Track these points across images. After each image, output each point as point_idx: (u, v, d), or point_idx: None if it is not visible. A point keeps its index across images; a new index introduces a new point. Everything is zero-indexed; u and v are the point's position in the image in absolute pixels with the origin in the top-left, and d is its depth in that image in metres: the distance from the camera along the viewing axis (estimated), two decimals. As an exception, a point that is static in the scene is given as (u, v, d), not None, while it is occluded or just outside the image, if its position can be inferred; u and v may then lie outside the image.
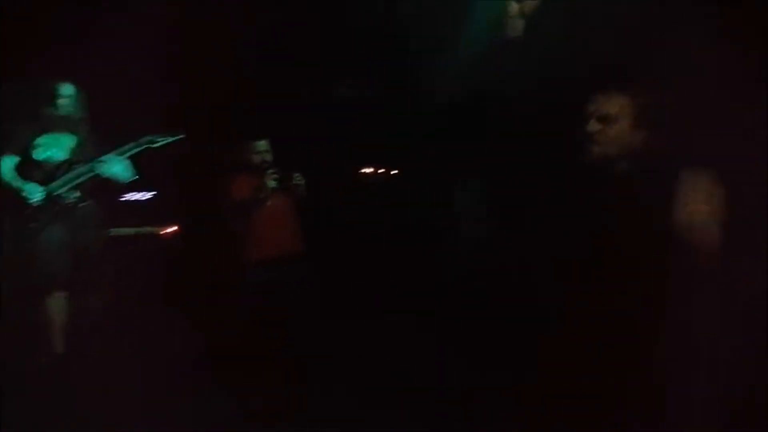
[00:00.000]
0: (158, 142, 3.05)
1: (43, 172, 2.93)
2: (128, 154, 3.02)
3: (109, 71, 3.33)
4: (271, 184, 3.48)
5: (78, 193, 2.99)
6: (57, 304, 2.88)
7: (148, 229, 4.28)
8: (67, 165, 2.98)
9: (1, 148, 2.97)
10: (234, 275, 3.68)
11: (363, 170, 4.73)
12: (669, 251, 1.65)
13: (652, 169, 1.75)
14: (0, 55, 3.36)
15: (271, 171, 3.49)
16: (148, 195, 4.30)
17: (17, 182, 2.91)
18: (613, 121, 1.79)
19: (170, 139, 3.07)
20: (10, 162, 2.95)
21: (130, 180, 3.07)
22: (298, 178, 3.57)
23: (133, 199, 4.03)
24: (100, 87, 3.14)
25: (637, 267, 1.70)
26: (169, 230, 4.36)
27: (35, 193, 2.86)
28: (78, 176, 2.96)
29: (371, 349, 3.15)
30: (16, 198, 2.89)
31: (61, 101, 2.97)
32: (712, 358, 1.59)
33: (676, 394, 1.61)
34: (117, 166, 2.97)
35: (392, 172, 4.03)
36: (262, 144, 3.60)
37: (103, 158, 2.95)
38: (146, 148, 3.04)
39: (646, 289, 1.67)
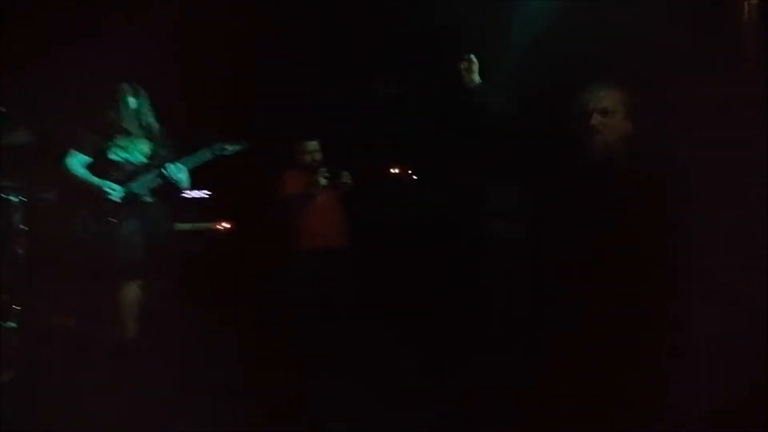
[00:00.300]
0: (227, 150, 3.25)
1: (120, 173, 3.12)
2: (201, 160, 3.23)
3: (176, 77, 3.58)
4: (322, 181, 3.71)
5: (152, 192, 3.19)
6: (133, 291, 3.10)
7: (206, 224, 4.59)
8: (145, 167, 3.17)
9: (69, 146, 3.13)
10: (285, 266, 3.91)
11: (405, 169, 4.92)
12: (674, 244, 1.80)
13: (649, 157, 1.94)
14: (73, 59, 3.64)
15: (321, 169, 3.73)
16: (206, 193, 4.59)
17: (93, 179, 3.08)
18: (611, 113, 2.07)
19: (238, 148, 3.26)
20: (79, 159, 3.10)
21: (187, 186, 3.27)
22: (346, 176, 3.81)
23: (194, 196, 4.31)
24: (169, 92, 3.34)
25: (650, 262, 1.85)
26: (225, 225, 4.66)
27: (115, 192, 3.07)
28: (155, 178, 3.16)
29: (406, 343, 3.28)
30: (93, 194, 3.08)
31: (135, 106, 3.13)
32: (713, 358, 1.69)
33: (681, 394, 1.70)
34: (181, 173, 3.18)
35: (434, 172, 4.19)
36: (313, 144, 3.84)
37: (168, 165, 3.14)
38: (217, 155, 3.24)
39: (664, 283, 1.81)
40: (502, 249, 3.44)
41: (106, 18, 3.78)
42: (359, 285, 3.82)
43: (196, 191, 4.42)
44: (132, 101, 3.15)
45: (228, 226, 4.68)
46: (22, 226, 3.35)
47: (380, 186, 4.74)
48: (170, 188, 3.24)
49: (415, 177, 4.92)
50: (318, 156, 3.84)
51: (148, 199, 3.19)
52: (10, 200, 3.29)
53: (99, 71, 3.55)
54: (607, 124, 2.08)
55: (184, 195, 3.58)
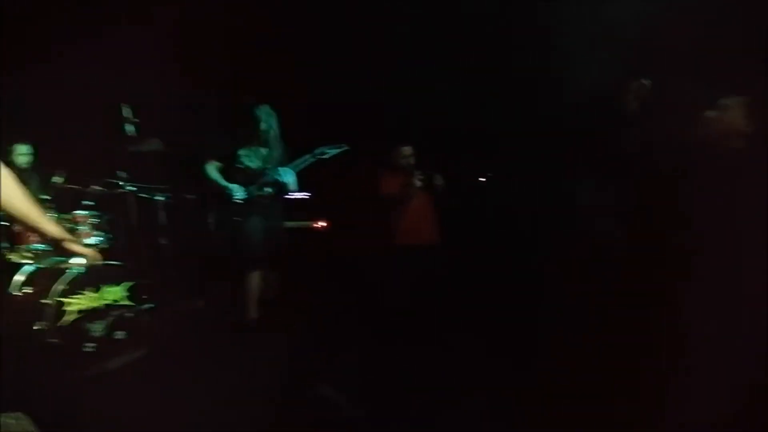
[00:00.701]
0: (328, 153, 3.64)
1: (244, 177, 3.59)
2: (305, 164, 3.63)
3: (288, 91, 4.02)
4: (417, 183, 4.03)
5: (267, 194, 3.63)
6: (256, 278, 3.56)
7: (310, 223, 5.07)
8: (262, 173, 3.61)
9: (207, 156, 3.65)
10: (382, 261, 4.25)
11: (493, 172, 5.13)
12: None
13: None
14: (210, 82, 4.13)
15: (416, 172, 4.04)
16: (309, 194, 5.06)
17: (223, 182, 3.57)
18: (725, 110, 2.34)
19: (337, 151, 3.65)
20: (213, 166, 3.62)
21: (295, 187, 3.67)
22: (438, 179, 4.09)
23: (299, 197, 4.77)
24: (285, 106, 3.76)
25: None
26: (326, 224, 5.12)
27: (238, 193, 3.55)
28: (269, 181, 3.60)
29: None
30: (222, 196, 3.59)
31: (267, 123, 3.57)
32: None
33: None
34: (289, 177, 3.61)
35: (522, 173, 4.36)
36: (408, 149, 4.16)
37: (279, 169, 3.58)
38: (318, 159, 3.65)
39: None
40: (592, 248, 3.46)
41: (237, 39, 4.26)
42: (450, 280, 4.04)
43: (301, 192, 4.86)
44: (266, 118, 3.60)
45: (328, 224, 5.13)
46: (164, 221, 3.91)
47: (470, 188, 4.98)
48: (280, 190, 3.68)
49: (500, 179, 5.10)
50: (412, 160, 4.13)
51: (264, 201, 3.64)
52: (157, 199, 3.85)
53: (231, 90, 4.08)
54: (721, 118, 2.32)
55: (291, 196, 4.01)
